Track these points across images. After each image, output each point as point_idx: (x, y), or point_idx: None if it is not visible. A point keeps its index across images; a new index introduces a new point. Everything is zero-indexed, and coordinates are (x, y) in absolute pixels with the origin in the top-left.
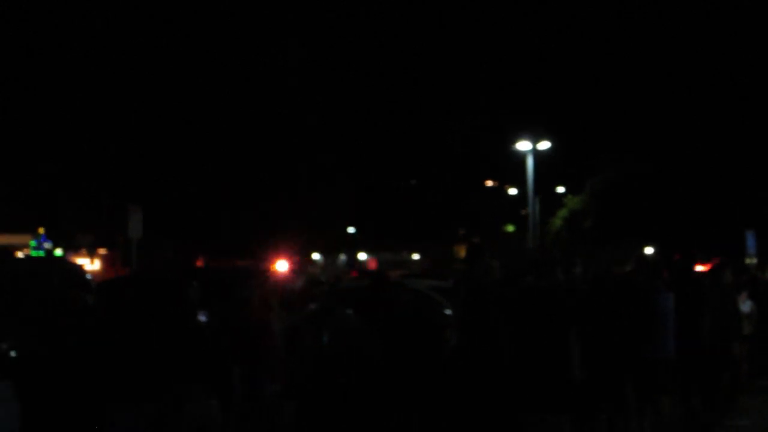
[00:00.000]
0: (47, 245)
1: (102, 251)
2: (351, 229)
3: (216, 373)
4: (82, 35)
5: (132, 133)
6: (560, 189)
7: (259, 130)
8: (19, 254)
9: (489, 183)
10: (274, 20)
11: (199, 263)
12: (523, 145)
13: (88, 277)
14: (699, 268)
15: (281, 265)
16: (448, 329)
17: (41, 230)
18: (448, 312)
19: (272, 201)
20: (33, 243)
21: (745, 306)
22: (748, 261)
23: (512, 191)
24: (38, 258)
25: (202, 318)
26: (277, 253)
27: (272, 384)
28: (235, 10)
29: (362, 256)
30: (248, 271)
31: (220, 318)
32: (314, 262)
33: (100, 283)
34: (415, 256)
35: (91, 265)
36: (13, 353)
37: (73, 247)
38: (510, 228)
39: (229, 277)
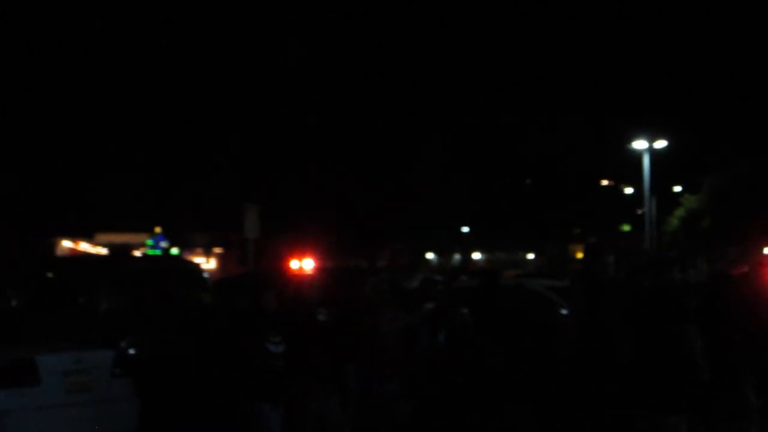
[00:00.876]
0: (164, 244)
1: (217, 250)
2: (465, 229)
3: (335, 372)
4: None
5: (248, 133)
6: (677, 188)
7: (375, 129)
8: (136, 253)
9: (605, 182)
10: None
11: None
12: (640, 144)
13: (205, 275)
14: None
15: (306, 265)
16: (564, 329)
17: (158, 229)
18: (564, 312)
19: (387, 201)
20: (150, 242)
21: None
22: None
23: (628, 190)
24: (156, 256)
25: (320, 317)
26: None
27: (388, 383)
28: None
29: (476, 255)
30: (363, 270)
31: (337, 317)
32: (428, 261)
33: (217, 281)
34: (530, 256)
35: (206, 264)
36: (132, 351)
37: (189, 246)
38: (626, 227)
39: (345, 277)
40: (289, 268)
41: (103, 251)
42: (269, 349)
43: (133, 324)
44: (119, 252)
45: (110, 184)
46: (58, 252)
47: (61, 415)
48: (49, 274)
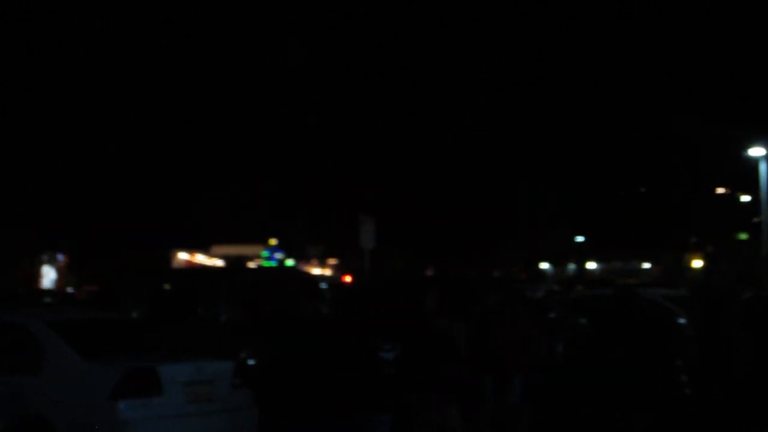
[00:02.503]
0: (279, 255)
1: (332, 261)
2: (580, 238)
3: (460, 381)
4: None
5: (358, 146)
6: None
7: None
8: (251, 264)
9: (720, 190)
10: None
11: (429, 272)
12: (756, 151)
13: (323, 286)
14: None
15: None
16: (682, 337)
17: (273, 241)
18: (681, 321)
19: (499, 211)
20: (265, 253)
21: None
22: None
23: (745, 198)
24: (273, 268)
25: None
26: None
27: (512, 391)
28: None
29: (591, 265)
30: (492, 280)
31: (463, 327)
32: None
33: (334, 291)
34: (646, 265)
35: (322, 274)
36: (251, 361)
37: (304, 258)
38: (743, 236)
39: (471, 286)
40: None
41: (219, 263)
42: (382, 356)
43: (252, 335)
44: (237, 264)
45: (226, 197)
46: (175, 264)
47: (182, 425)
48: (167, 286)
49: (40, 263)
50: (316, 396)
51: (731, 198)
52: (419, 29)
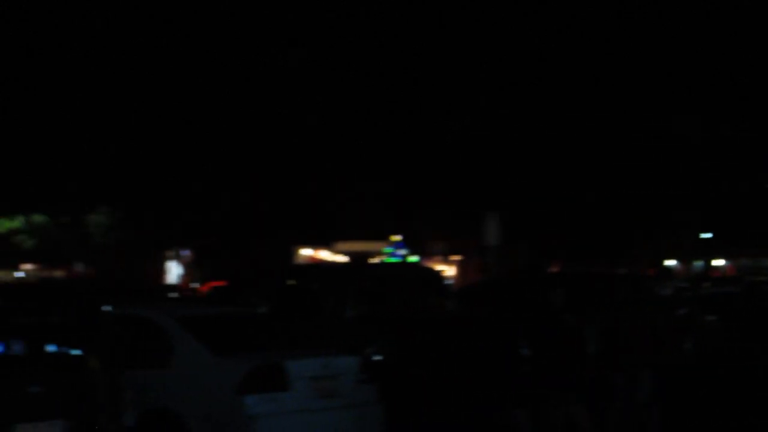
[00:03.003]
0: (402, 252)
1: (455, 257)
2: (707, 235)
3: (589, 379)
4: None
5: (484, 142)
6: None
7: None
8: (374, 260)
9: None
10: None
11: (555, 269)
12: None
13: (448, 282)
14: None
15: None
16: None
17: (396, 237)
18: None
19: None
20: (388, 250)
21: None
22: None
23: None
24: (398, 264)
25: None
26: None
27: (641, 389)
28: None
29: (719, 262)
30: (620, 277)
31: (592, 324)
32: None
33: (460, 288)
34: None
35: (446, 271)
36: (377, 357)
37: (427, 254)
38: None
39: (598, 283)
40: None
41: (342, 259)
42: (521, 353)
43: (378, 331)
44: (361, 260)
45: (349, 193)
46: (299, 260)
47: (309, 420)
48: (292, 282)
49: (165, 259)
50: (447, 392)
51: None
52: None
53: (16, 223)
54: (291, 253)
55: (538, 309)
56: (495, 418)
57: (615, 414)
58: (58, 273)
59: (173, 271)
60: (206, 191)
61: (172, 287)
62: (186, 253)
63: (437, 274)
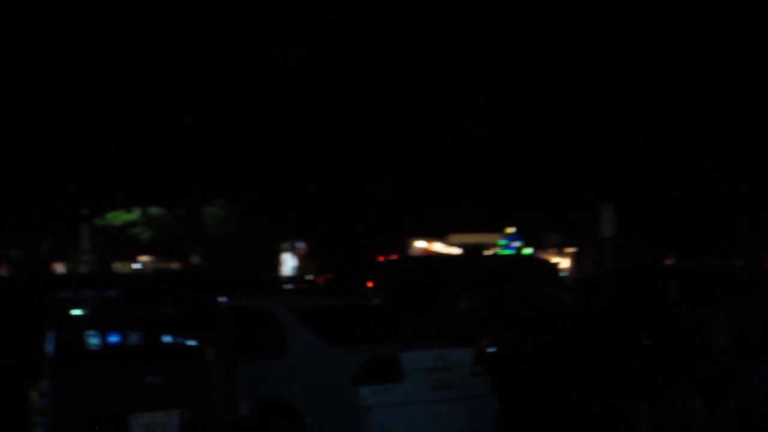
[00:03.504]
0: (516, 244)
1: (570, 250)
2: None
3: (708, 373)
4: None
5: (597, 131)
6: None
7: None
8: (488, 253)
9: None
10: None
11: (669, 261)
12: None
13: (563, 274)
14: None
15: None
16: None
17: (511, 229)
18: None
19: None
20: (502, 242)
21: None
22: None
23: None
24: (512, 256)
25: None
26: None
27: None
28: None
29: None
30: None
31: (723, 318)
32: None
33: (575, 280)
34: None
35: (561, 263)
36: (492, 349)
37: (541, 246)
38: None
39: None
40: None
41: (455, 251)
42: (642, 344)
43: (492, 323)
44: (475, 252)
45: (464, 184)
46: (412, 252)
47: (423, 411)
48: (405, 274)
49: (281, 251)
50: (565, 385)
51: None
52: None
53: (134, 215)
54: (405, 245)
55: (657, 301)
56: (615, 411)
57: (733, 408)
58: (174, 265)
59: (288, 263)
60: (322, 186)
61: (288, 279)
62: (301, 245)
63: (552, 266)
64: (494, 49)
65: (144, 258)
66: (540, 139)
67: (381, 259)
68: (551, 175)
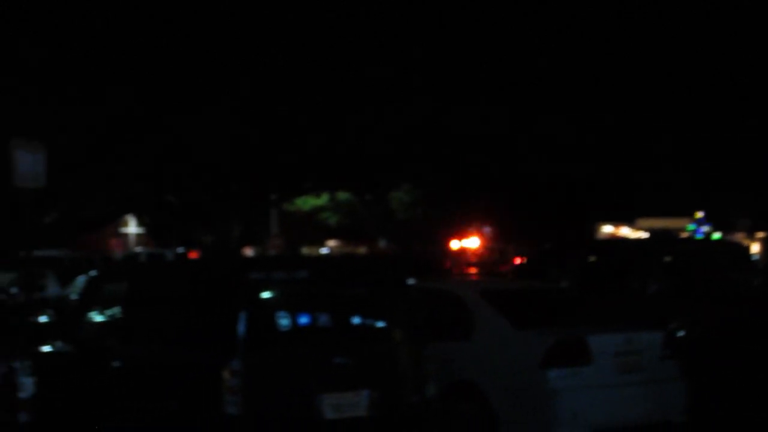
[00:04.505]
0: (705, 229)
1: (760, 234)
2: None
3: None
4: None
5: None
6: None
7: None
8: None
9: None
10: None
11: None
12: None
13: (754, 258)
14: None
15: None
16: None
17: (699, 214)
18: None
19: None
20: (691, 227)
21: None
22: None
23: None
24: (701, 240)
25: None
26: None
27: None
28: None
29: None
30: None
31: None
32: None
33: (766, 264)
34: None
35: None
36: (681, 333)
37: (730, 230)
38: None
39: None
40: None
41: (643, 236)
42: None
43: (682, 306)
44: (665, 235)
45: (654, 171)
46: (599, 236)
47: (610, 395)
48: (594, 258)
49: (465, 235)
50: (759, 369)
51: None
52: None
53: (322, 200)
54: (592, 229)
55: None
56: None
57: None
58: (361, 249)
59: (473, 247)
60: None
61: (473, 263)
62: (487, 229)
63: (744, 250)
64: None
65: (331, 242)
66: (734, 124)
67: (570, 242)
68: (744, 160)
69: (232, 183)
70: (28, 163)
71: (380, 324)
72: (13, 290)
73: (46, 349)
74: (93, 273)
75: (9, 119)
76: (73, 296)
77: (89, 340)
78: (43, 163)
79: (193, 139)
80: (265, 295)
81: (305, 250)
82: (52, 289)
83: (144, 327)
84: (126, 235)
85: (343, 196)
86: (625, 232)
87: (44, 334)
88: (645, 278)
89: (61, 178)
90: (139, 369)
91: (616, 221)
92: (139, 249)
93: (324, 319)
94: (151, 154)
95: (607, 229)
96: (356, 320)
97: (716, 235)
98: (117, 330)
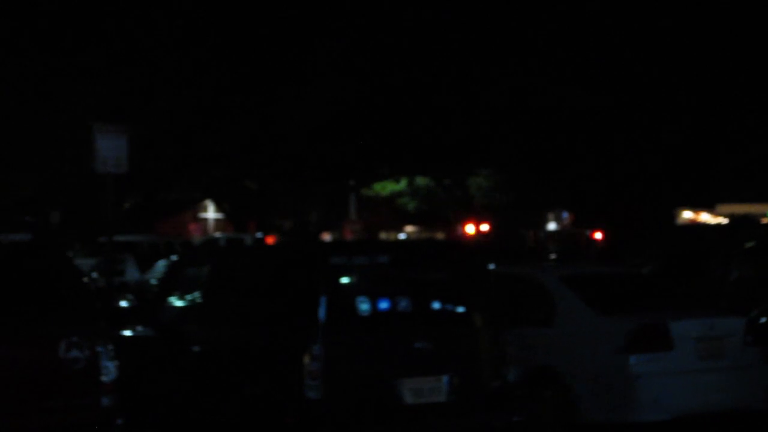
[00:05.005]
0: None
1: None
2: None
3: None
4: None
5: None
6: None
7: None
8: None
9: None
10: None
11: None
12: None
13: None
14: None
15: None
16: None
17: None
18: None
19: None
20: None
21: None
22: None
23: None
24: None
25: None
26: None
27: None
28: None
29: None
30: None
31: None
32: None
33: None
34: None
35: None
36: (764, 320)
37: None
38: None
39: None
40: None
41: (723, 221)
42: None
43: (764, 293)
44: (746, 222)
45: (736, 155)
46: (680, 222)
47: (692, 381)
48: (675, 243)
49: (546, 221)
50: None
51: None
52: None
53: (400, 185)
54: (673, 215)
55: None
56: None
57: None
58: (440, 234)
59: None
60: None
61: (551, 248)
62: (566, 215)
63: None
64: None
65: (409, 228)
66: None
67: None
68: None
69: (311, 169)
70: (111, 149)
71: (460, 309)
72: (94, 275)
73: (128, 333)
74: (174, 258)
75: (92, 103)
76: (153, 281)
77: (170, 324)
78: (126, 149)
79: (277, 125)
80: (346, 279)
81: (383, 236)
82: (131, 273)
83: (225, 311)
84: (205, 220)
85: (422, 181)
86: (705, 217)
87: (126, 318)
88: (727, 264)
89: (143, 160)
90: (220, 353)
91: (696, 207)
92: (217, 234)
93: (404, 303)
94: (236, 139)
95: (687, 214)
96: (436, 305)
97: None
98: (198, 315)
